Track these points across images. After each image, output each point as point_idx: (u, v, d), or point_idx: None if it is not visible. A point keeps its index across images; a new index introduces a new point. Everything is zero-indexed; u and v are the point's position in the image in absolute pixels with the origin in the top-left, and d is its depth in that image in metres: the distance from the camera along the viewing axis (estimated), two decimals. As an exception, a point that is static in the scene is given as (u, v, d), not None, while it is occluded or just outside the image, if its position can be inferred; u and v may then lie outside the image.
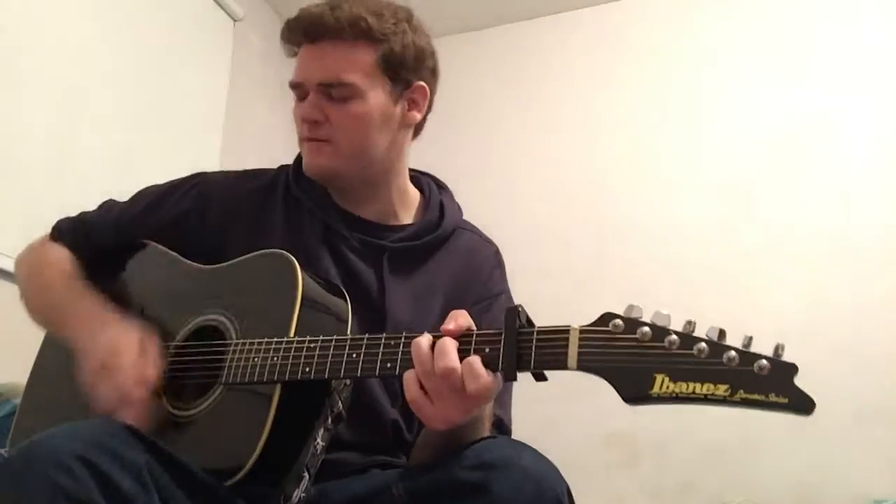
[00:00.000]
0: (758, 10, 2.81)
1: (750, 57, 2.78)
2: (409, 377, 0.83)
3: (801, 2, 2.77)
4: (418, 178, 1.26)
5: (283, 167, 1.22)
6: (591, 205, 2.82)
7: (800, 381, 0.69)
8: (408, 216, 1.20)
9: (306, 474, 0.91)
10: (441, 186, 1.27)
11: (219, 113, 2.76)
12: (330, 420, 0.94)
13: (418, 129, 1.21)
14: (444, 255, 1.17)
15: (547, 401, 2.45)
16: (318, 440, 0.93)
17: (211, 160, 2.68)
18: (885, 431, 2.25)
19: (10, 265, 1.84)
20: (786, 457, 2.31)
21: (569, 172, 2.90)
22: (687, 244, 2.62)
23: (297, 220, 1.14)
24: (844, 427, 2.27)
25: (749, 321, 0.77)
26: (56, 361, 1.19)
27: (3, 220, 1.91)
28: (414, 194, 1.23)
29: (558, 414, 2.48)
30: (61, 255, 1.21)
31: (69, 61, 2.17)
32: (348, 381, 0.96)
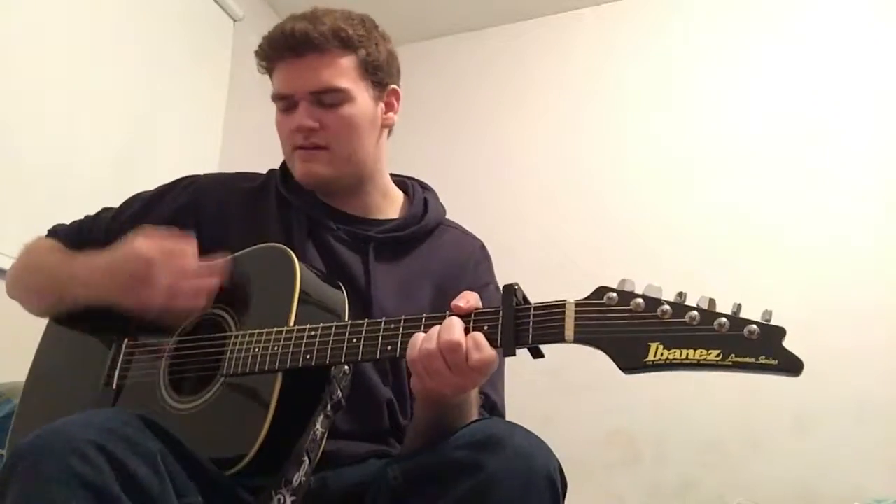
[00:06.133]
0: (757, 9, 2.82)
1: (748, 55, 2.78)
2: (415, 342, 0.86)
3: (801, 1, 2.78)
4: (403, 181, 1.31)
5: (272, 171, 1.27)
6: (591, 204, 2.82)
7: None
8: (392, 212, 1.25)
9: (306, 459, 0.92)
10: (425, 188, 1.31)
11: (219, 113, 2.76)
12: (329, 407, 0.96)
13: (391, 130, 1.27)
14: (429, 247, 1.21)
15: (546, 399, 2.47)
16: (318, 426, 0.94)
17: (211, 160, 2.68)
18: (885, 431, 2.25)
19: (10, 265, 1.85)
20: (786, 457, 2.31)
21: (568, 172, 2.90)
22: (684, 244, 2.62)
23: (286, 218, 1.18)
24: (844, 427, 2.27)
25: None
26: (53, 364, 1.19)
27: (3, 220, 1.91)
28: (397, 194, 1.28)
29: (558, 412, 2.48)
30: (52, 241, 1.23)
31: (69, 61, 2.17)
32: (347, 370, 0.98)
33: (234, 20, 2.88)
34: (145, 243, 1.01)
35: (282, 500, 0.89)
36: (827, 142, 2.59)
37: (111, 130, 2.30)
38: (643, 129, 2.85)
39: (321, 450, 0.96)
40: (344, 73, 1.14)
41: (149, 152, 2.41)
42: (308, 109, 1.13)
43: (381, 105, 1.21)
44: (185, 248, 1.01)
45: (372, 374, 1.09)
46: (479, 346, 0.83)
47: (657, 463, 2.45)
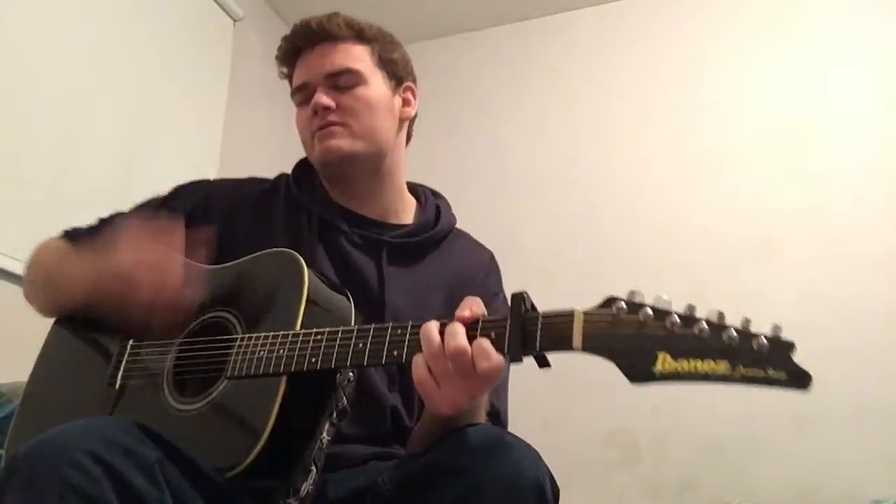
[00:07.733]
0: (758, 9, 2.82)
1: (749, 55, 2.78)
2: (418, 360, 0.84)
3: (800, 1, 2.78)
4: (414, 187, 1.31)
5: (282, 175, 1.26)
6: (591, 204, 2.82)
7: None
8: (406, 217, 1.25)
9: (314, 468, 0.92)
10: (436, 195, 1.32)
11: (219, 113, 2.76)
12: (335, 415, 0.96)
13: (409, 133, 1.29)
14: (441, 254, 1.22)
15: (547, 399, 2.46)
16: (325, 435, 0.94)
17: (211, 159, 2.67)
18: (885, 431, 2.25)
19: (10, 265, 1.85)
20: (786, 457, 2.31)
21: (568, 172, 2.90)
22: (685, 243, 2.62)
23: (295, 220, 1.18)
24: (844, 427, 2.27)
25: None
26: (56, 364, 1.19)
27: (3, 220, 1.91)
28: (410, 199, 1.29)
29: (558, 412, 2.48)
30: (61, 242, 1.23)
31: (70, 62, 2.17)
32: (352, 377, 0.98)
33: (234, 20, 2.88)
34: (128, 258, 1.02)
35: None
36: (827, 143, 2.59)
37: (111, 130, 2.30)
38: (643, 130, 2.85)
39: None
40: (357, 58, 1.18)
41: (149, 152, 2.41)
42: (324, 91, 1.15)
43: (398, 98, 1.23)
44: (164, 261, 1.01)
45: (377, 379, 1.09)
46: (487, 355, 0.81)
47: (657, 463, 2.45)
